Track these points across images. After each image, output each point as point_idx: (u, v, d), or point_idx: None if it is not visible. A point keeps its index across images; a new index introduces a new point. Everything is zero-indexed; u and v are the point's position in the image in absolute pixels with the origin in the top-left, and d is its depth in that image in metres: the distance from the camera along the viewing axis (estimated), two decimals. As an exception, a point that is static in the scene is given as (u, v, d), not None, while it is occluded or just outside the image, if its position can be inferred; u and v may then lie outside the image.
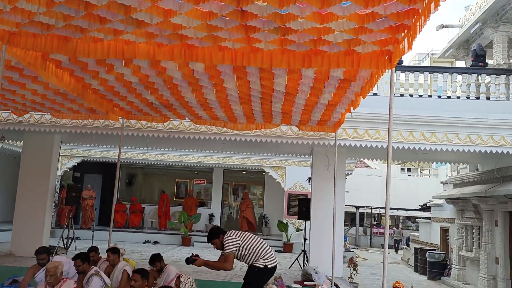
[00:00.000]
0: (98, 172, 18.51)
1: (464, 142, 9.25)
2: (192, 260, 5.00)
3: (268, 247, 5.24)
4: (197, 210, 17.41)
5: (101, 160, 16.65)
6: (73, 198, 12.02)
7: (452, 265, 14.16)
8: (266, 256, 5.12)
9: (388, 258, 5.19)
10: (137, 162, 17.10)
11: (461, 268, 13.67)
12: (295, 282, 9.85)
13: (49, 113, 8.57)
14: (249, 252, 5.09)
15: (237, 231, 5.26)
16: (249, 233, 5.33)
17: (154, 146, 13.42)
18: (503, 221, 11.53)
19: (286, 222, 16.13)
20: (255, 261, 5.10)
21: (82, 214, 15.86)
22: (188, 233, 16.00)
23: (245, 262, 5.17)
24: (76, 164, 16.69)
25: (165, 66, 5.11)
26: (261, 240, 5.31)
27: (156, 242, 15.82)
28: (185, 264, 5.28)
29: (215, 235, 5.15)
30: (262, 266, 5.07)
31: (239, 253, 5.10)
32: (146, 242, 15.90)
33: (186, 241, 15.54)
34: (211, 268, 5.25)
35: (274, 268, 5.23)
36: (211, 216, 17.60)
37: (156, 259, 6.61)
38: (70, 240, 11.58)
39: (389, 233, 26.68)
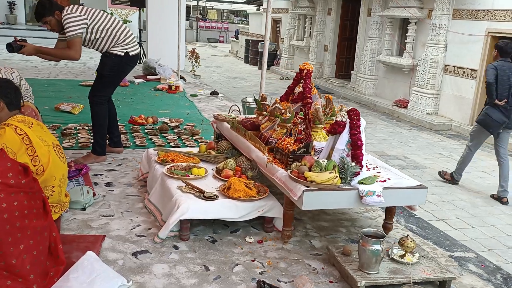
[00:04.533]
0: None
1: None
2: (18, 47, 3.41)
3: (127, 28, 3.94)
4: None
5: None
6: None
7: (282, 55, 14.72)
8: (126, 41, 3.87)
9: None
10: None
11: (290, 57, 14.33)
12: (136, 77, 8.89)
13: None
14: (102, 36, 3.75)
15: (81, 6, 3.73)
16: (98, 10, 3.85)
17: None
18: (336, 9, 11.84)
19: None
20: (112, 47, 3.82)
21: None
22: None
23: (97, 49, 3.85)
24: None
25: None
26: (117, 19, 3.93)
27: None
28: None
29: (47, 11, 3.55)
30: (122, 54, 3.84)
31: (88, 36, 3.71)
32: None
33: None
34: (49, 58, 3.77)
35: (137, 56, 4.07)
36: (11, 4, 14.05)
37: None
38: None
39: (218, 27, 26.39)
